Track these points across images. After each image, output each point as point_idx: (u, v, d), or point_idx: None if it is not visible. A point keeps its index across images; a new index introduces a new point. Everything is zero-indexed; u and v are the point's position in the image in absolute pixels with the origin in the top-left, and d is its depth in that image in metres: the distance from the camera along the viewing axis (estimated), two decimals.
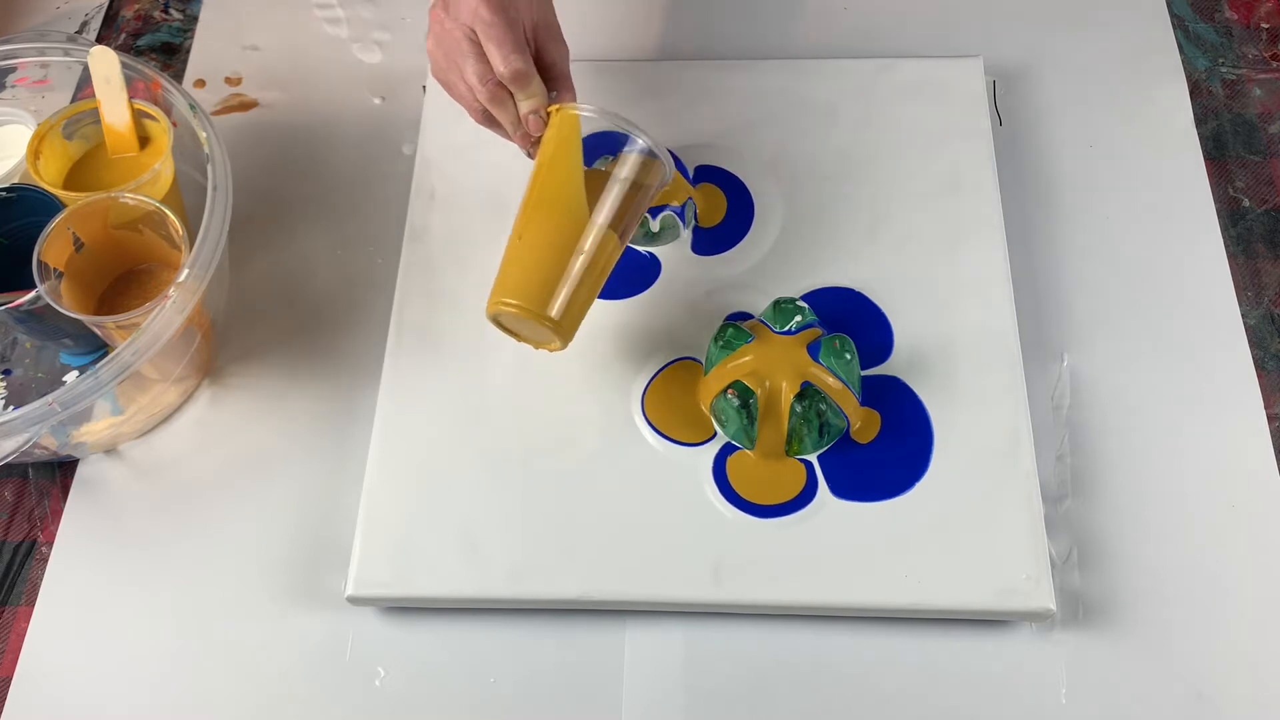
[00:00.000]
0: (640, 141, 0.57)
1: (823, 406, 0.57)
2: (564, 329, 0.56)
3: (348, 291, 0.67)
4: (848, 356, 0.58)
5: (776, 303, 0.60)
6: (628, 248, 0.61)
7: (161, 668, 0.57)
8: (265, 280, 0.68)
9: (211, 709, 0.56)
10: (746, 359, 0.58)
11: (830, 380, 0.57)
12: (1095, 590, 0.57)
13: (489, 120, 0.61)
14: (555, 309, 0.55)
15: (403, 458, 0.60)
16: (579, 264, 0.56)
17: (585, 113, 0.57)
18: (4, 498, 0.63)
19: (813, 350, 0.58)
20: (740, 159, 0.69)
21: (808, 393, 0.57)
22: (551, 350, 0.58)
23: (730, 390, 0.57)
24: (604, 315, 0.63)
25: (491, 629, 0.57)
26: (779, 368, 0.57)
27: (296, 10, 0.79)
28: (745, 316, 0.63)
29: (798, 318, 0.59)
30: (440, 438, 0.60)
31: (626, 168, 0.58)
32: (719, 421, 0.59)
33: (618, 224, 0.57)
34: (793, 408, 0.57)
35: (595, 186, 0.57)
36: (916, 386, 0.61)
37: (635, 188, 0.58)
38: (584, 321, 0.58)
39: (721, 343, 0.59)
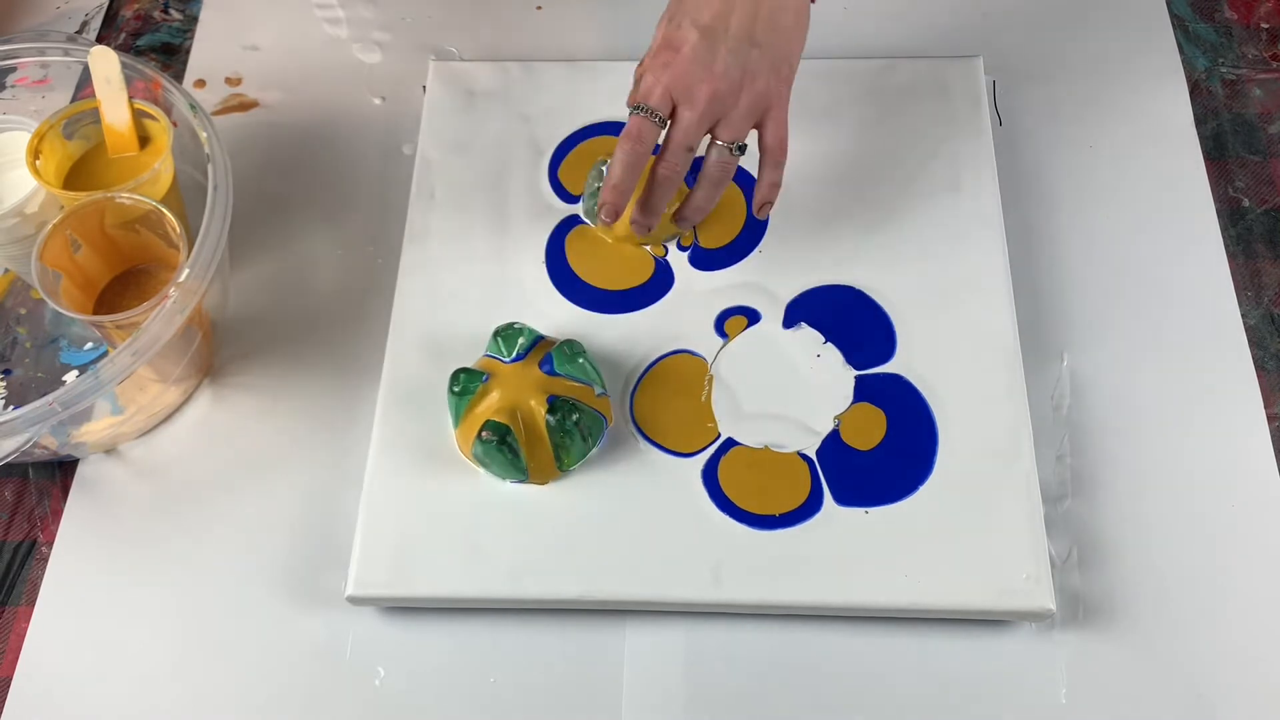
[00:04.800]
0: None
1: (576, 415, 0.57)
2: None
3: (348, 291, 0.67)
4: (580, 360, 0.58)
5: (496, 332, 0.60)
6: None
7: (161, 667, 0.57)
8: (265, 280, 0.68)
9: (211, 709, 0.56)
10: (492, 396, 0.58)
11: (570, 384, 0.58)
12: (1095, 590, 0.57)
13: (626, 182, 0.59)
14: None
15: (403, 458, 0.60)
16: None
17: None
18: (4, 498, 0.63)
19: (546, 365, 0.58)
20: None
21: (557, 405, 0.56)
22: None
23: (485, 432, 0.56)
24: (612, 326, 0.63)
25: (491, 629, 0.57)
26: (521, 393, 0.57)
27: (296, 10, 0.79)
28: (746, 312, 0.63)
29: (520, 339, 0.59)
30: (440, 438, 0.60)
31: None
32: (484, 465, 0.58)
33: None
34: (548, 423, 0.56)
35: None
36: (916, 386, 0.61)
37: None
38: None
39: (458, 390, 0.58)
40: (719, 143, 0.58)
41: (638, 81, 0.58)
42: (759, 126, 0.58)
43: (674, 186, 0.59)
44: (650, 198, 0.60)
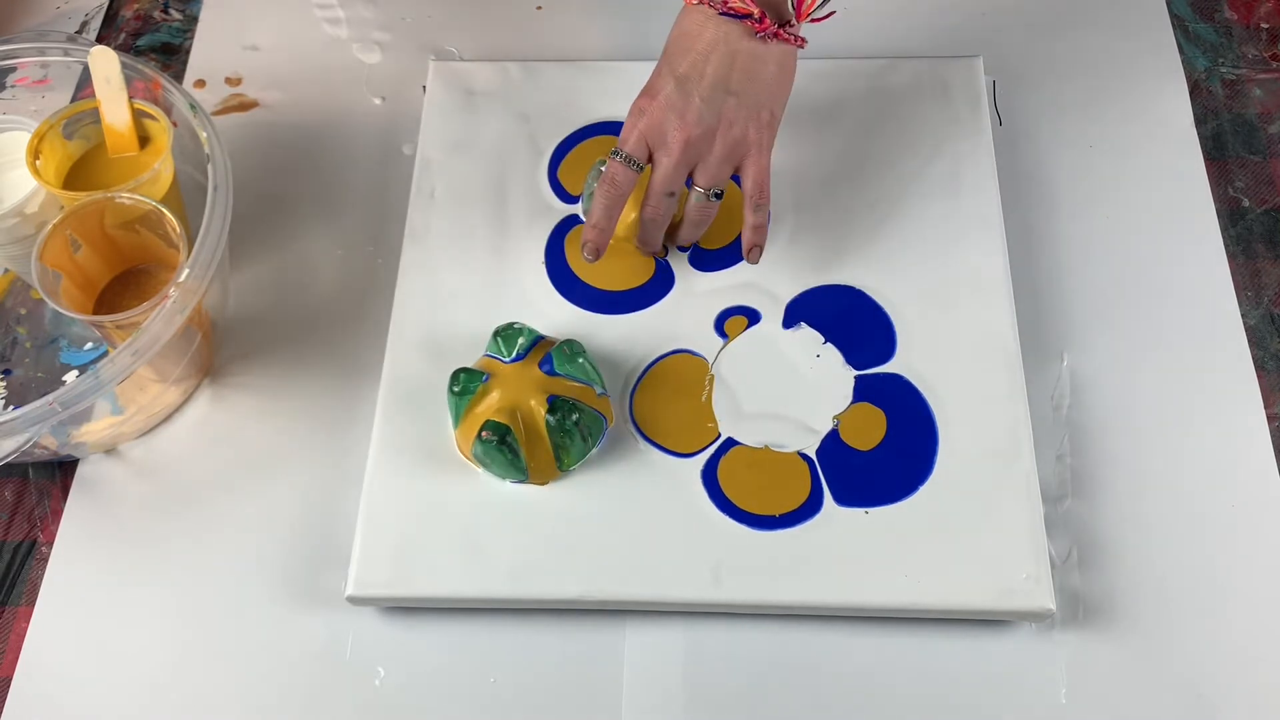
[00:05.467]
0: None
1: (576, 415, 0.57)
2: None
3: (348, 291, 0.67)
4: (579, 359, 0.59)
5: (496, 332, 0.60)
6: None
7: (161, 667, 0.57)
8: (265, 280, 0.68)
9: (211, 709, 0.56)
10: (492, 396, 0.58)
11: (570, 384, 0.58)
12: (1095, 590, 0.57)
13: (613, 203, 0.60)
14: None
15: (403, 458, 0.60)
16: None
17: None
18: (4, 498, 0.63)
19: (546, 365, 0.58)
20: None
21: (557, 405, 0.57)
22: None
23: (485, 432, 0.56)
24: (612, 326, 0.63)
25: (491, 629, 0.57)
26: (521, 393, 0.58)
27: (296, 10, 0.79)
28: (746, 312, 0.63)
29: (520, 339, 0.60)
30: (440, 438, 0.60)
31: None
32: (484, 465, 0.58)
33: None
34: (548, 423, 0.57)
35: None
36: (916, 386, 0.61)
37: None
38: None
39: (458, 390, 0.58)
40: (697, 188, 0.59)
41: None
42: (739, 171, 0.59)
43: (662, 226, 0.61)
44: (643, 234, 0.62)
